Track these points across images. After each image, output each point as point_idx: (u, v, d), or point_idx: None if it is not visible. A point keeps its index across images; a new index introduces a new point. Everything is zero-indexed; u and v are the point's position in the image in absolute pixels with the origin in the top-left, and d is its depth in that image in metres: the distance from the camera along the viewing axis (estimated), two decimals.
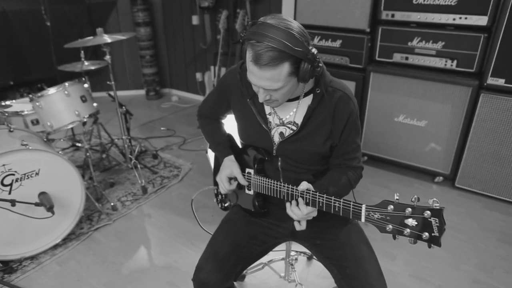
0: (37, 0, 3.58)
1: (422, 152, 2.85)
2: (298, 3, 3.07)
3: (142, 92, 4.80)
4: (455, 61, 2.56)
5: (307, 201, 1.16)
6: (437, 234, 0.90)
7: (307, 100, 1.26)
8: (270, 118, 1.31)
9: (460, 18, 2.46)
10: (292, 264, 1.83)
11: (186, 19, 4.40)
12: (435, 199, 0.92)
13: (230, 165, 1.39)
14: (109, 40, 2.52)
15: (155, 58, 4.63)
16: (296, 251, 2.07)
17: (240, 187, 1.42)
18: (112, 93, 2.67)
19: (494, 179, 2.60)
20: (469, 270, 2.06)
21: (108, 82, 2.64)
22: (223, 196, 1.58)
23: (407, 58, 2.73)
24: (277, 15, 1.09)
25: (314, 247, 1.38)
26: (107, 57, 2.57)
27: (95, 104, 2.51)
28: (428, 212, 0.91)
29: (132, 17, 4.40)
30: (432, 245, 0.92)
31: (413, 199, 0.95)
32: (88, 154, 2.47)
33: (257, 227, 1.41)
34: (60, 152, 2.27)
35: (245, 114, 1.34)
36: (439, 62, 2.62)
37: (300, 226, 1.23)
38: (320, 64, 1.11)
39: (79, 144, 2.50)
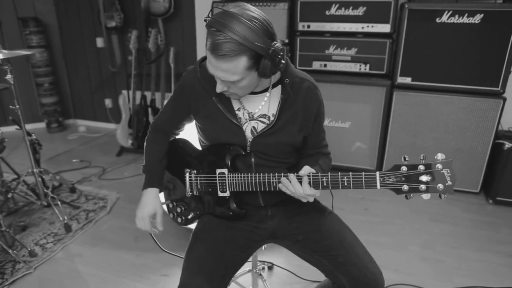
0: None
1: (349, 151, 3.03)
2: None
3: (41, 125, 4.21)
4: (368, 65, 2.82)
5: (310, 184, 1.10)
6: (450, 183, 0.97)
7: (276, 92, 1.22)
8: (239, 113, 1.23)
9: (368, 26, 2.74)
10: (260, 274, 1.73)
11: (89, 42, 4.06)
12: (440, 153, 0.99)
13: (153, 203, 1.31)
14: (7, 56, 2.14)
15: (55, 86, 4.13)
16: (259, 261, 1.97)
17: (210, 192, 1.29)
18: (16, 120, 2.27)
19: None
20: (415, 250, 2.21)
21: (11, 107, 2.24)
22: (183, 208, 1.42)
23: (325, 65, 2.92)
24: (241, 4, 1.03)
25: (298, 244, 1.31)
26: (9, 77, 2.19)
27: None
28: (440, 165, 0.97)
29: (23, 40, 3.90)
30: (445, 195, 0.98)
31: (421, 157, 1.01)
32: None
33: (237, 232, 1.29)
34: None
35: (211, 113, 1.23)
36: (354, 67, 2.85)
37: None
38: (283, 61, 1.05)
39: None
